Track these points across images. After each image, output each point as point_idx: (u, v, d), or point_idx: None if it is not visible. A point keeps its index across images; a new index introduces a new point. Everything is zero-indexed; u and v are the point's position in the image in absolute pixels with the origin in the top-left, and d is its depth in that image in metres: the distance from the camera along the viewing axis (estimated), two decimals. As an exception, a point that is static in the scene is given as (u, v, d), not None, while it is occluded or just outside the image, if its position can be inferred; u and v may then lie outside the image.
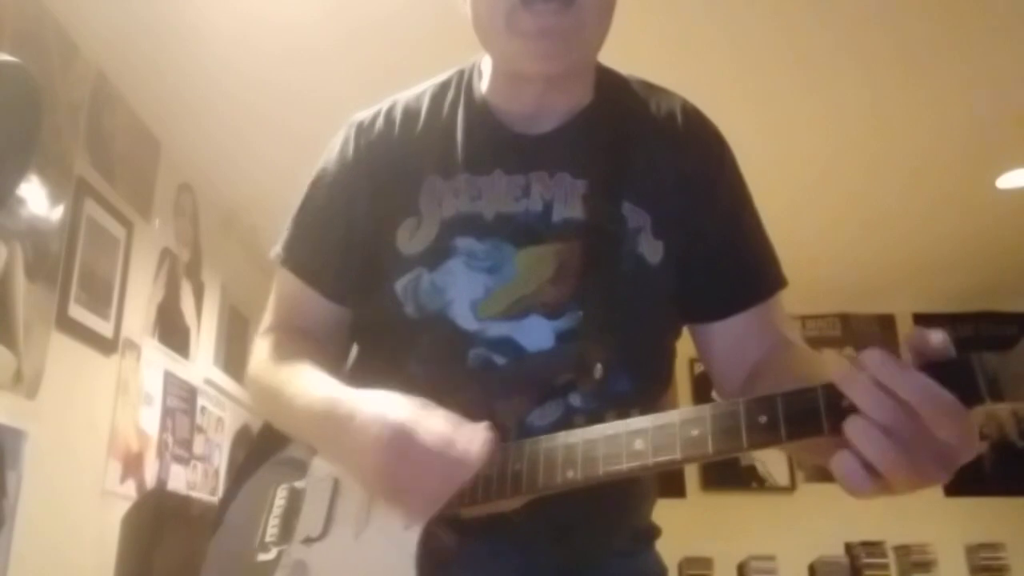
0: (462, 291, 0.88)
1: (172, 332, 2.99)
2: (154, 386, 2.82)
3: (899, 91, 2.70)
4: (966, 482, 4.44)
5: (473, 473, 0.75)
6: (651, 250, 0.90)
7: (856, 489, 0.65)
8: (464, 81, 1.01)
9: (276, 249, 1.03)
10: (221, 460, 3.45)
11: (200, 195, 3.25)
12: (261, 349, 1.00)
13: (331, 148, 1.05)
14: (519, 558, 0.84)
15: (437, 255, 0.90)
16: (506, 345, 0.87)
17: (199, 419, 3.19)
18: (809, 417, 0.64)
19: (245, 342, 4.19)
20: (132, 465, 2.61)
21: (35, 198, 2.15)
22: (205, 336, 3.32)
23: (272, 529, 0.90)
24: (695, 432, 0.68)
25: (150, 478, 2.73)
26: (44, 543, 2.11)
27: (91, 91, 2.47)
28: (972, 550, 4.28)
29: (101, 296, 2.47)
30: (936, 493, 4.46)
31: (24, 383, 2.06)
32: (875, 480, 0.64)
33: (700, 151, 0.96)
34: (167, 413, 2.89)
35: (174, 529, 2.65)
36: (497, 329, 0.87)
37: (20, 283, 2.07)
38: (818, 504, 4.39)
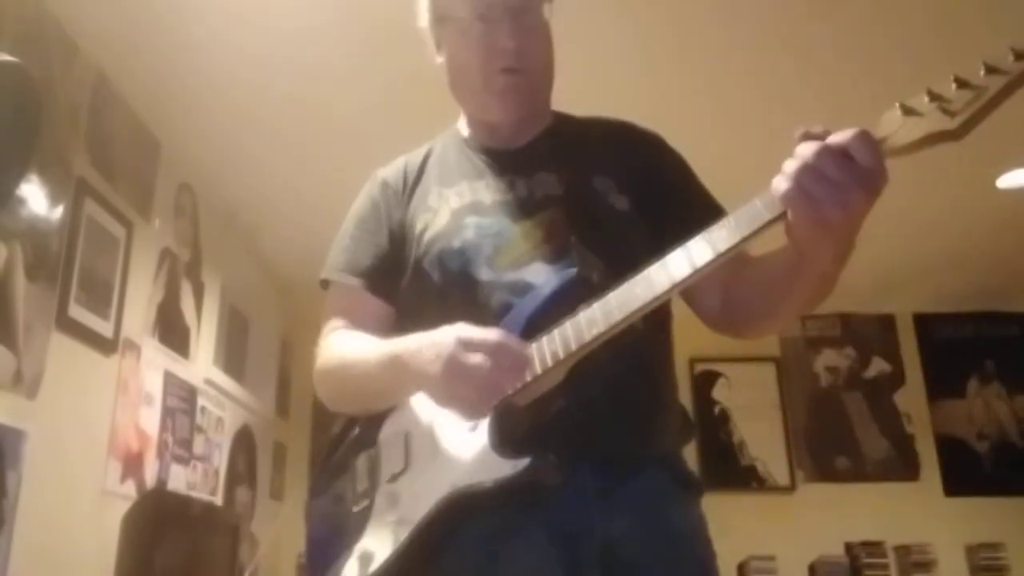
0: (477, 251, 1.11)
1: (172, 332, 2.99)
2: (154, 386, 2.82)
3: (899, 91, 2.70)
4: (966, 482, 4.46)
5: (527, 364, 0.94)
6: (620, 202, 1.15)
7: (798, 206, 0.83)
8: (450, 133, 1.31)
9: (324, 273, 1.25)
10: (221, 460, 3.45)
11: (200, 195, 3.25)
12: (324, 349, 1.19)
13: (360, 196, 1.30)
14: (565, 461, 0.96)
15: (452, 231, 1.14)
16: (520, 286, 1.06)
17: (199, 419, 3.19)
18: (753, 211, 0.87)
19: (245, 342, 4.19)
20: (132, 465, 2.61)
21: (35, 198, 2.15)
22: (205, 336, 3.32)
23: (360, 486, 1.09)
24: (679, 257, 0.91)
25: (150, 478, 2.73)
26: (44, 543, 2.11)
27: (91, 91, 2.47)
28: (972, 550, 4.28)
29: (101, 296, 2.47)
30: (936, 493, 4.47)
31: (24, 383, 2.06)
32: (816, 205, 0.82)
33: (643, 142, 1.25)
34: (167, 413, 2.89)
35: (174, 529, 2.64)
36: (510, 275, 1.08)
37: (20, 283, 2.07)
38: (818, 504, 4.39)
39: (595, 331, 0.93)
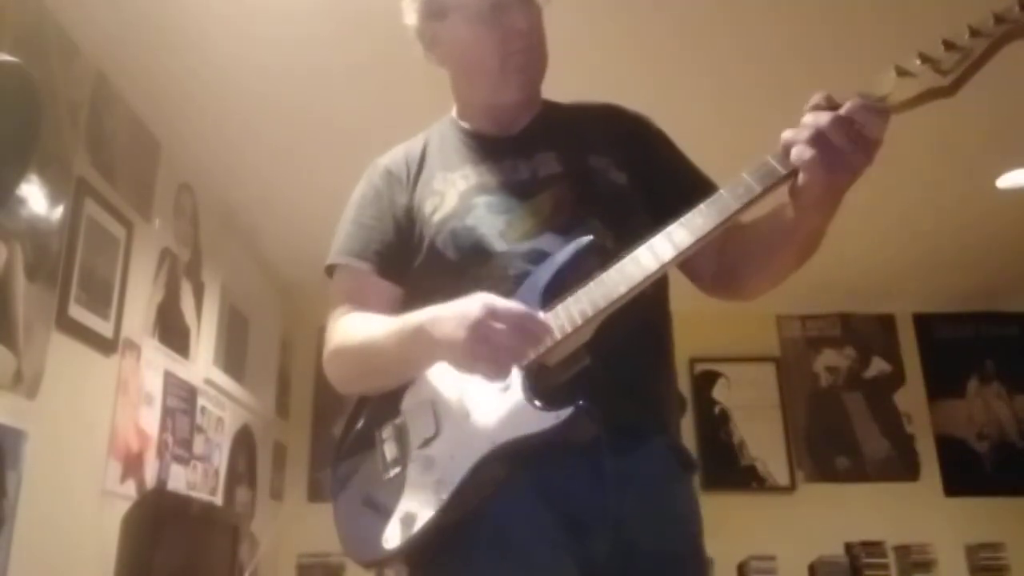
0: (489, 226, 1.15)
1: (172, 332, 2.99)
2: (154, 386, 2.82)
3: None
4: (966, 482, 4.46)
5: (549, 335, 0.98)
6: (618, 177, 1.20)
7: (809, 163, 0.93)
8: (447, 121, 1.34)
9: (330, 259, 1.26)
10: (221, 460, 3.45)
11: (200, 195, 3.25)
12: (336, 331, 1.21)
13: (360, 184, 1.32)
14: (597, 411, 1.01)
15: (463, 211, 1.17)
16: (535, 254, 1.11)
17: (199, 419, 3.19)
18: (768, 169, 0.96)
19: (245, 342, 4.19)
20: (132, 465, 2.61)
21: (35, 198, 2.15)
22: (205, 336, 3.32)
23: (390, 454, 1.10)
24: (699, 220, 0.98)
25: (150, 478, 2.73)
26: (44, 543, 2.11)
27: (91, 91, 2.47)
28: (972, 550, 4.28)
29: (101, 296, 2.47)
30: (936, 493, 4.47)
31: (24, 383, 2.06)
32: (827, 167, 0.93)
33: (630, 121, 1.31)
34: (167, 413, 2.89)
35: (174, 529, 2.65)
36: (524, 246, 1.12)
37: (20, 283, 2.07)
38: (818, 504, 4.39)
39: (623, 288, 0.98)
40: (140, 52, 2.48)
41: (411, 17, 1.27)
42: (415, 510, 1.03)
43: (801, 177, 0.94)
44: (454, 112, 1.35)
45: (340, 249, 1.26)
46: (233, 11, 2.33)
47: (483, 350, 0.96)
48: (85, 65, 2.42)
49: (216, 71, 2.58)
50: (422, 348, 1.06)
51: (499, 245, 1.13)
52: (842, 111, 0.92)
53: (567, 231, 1.11)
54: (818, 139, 0.91)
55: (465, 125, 1.31)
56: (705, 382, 4.66)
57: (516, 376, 1.01)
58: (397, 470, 1.08)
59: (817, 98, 0.96)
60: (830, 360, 4.77)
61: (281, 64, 2.57)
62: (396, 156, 1.31)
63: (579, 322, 0.99)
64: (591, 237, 1.06)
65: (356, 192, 1.31)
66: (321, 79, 2.65)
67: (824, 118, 0.92)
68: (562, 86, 1.32)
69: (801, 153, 0.93)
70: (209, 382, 3.32)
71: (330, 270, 1.27)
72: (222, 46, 2.48)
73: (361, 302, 1.21)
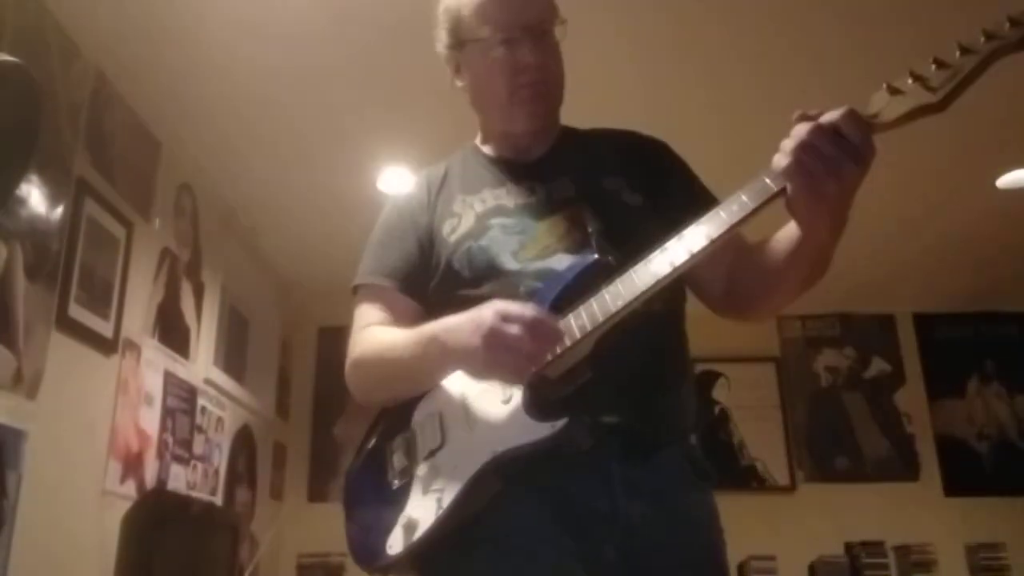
0: (503, 247, 1.19)
1: (172, 332, 2.99)
2: (154, 386, 2.82)
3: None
4: (966, 482, 4.46)
5: (561, 335, 1.01)
6: (633, 199, 1.23)
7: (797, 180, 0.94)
8: (470, 147, 1.40)
9: (356, 280, 1.31)
10: (221, 460, 3.45)
11: (200, 195, 3.25)
12: (358, 343, 1.25)
13: (385, 209, 1.38)
14: (592, 421, 1.04)
15: (479, 231, 1.22)
16: (545, 273, 1.14)
17: (199, 419, 3.20)
18: (761, 185, 0.97)
19: (245, 342, 4.19)
20: (132, 465, 2.61)
21: (35, 198, 2.15)
22: (205, 336, 3.32)
23: (399, 464, 1.14)
24: (694, 237, 0.99)
25: (150, 478, 2.74)
26: (44, 543, 2.11)
27: (91, 91, 2.47)
28: (972, 550, 4.28)
29: (101, 296, 2.47)
30: (936, 493, 4.47)
31: (24, 383, 2.06)
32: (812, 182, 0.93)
33: (647, 146, 1.34)
34: (167, 413, 2.89)
35: (174, 529, 2.65)
36: (535, 265, 1.16)
37: (20, 283, 2.07)
38: (818, 504, 4.39)
39: (620, 303, 1.00)
40: (140, 52, 2.48)
41: (440, 45, 1.33)
42: (418, 516, 1.07)
43: (789, 188, 0.95)
44: (477, 139, 1.41)
45: (364, 269, 1.31)
46: (233, 11, 2.33)
47: (499, 355, 0.99)
48: (85, 65, 2.42)
49: (216, 71, 2.59)
50: (437, 358, 1.10)
51: (511, 264, 1.16)
52: (822, 119, 0.92)
53: (579, 250, 1.15)
54: (799, 148, 0.92)
55: (486, 151, 1.37)
56: (705, 382, 4.65)
57: (518, 389, 1.04)
58: (405, 479, 1.12)
59: (806, 111, 0.96)
60: (830, 360, 4.77)
61: (282, 64, 2.57)
62: (418, 181, 1.37)
63: (578, 336, 1.01)
64: (596, 255, 1.08)
65: (381, 217, 1.37)
66: (321, 80, 2.65)
67: (805, 127, 0.93)
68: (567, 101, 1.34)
69: (779, 161, 0.94)
70: (209, 382, 3.32)
71: (355, 291, 1.32)
72: (222, 46, 2.48)
73: (384, 319, 1.26)
